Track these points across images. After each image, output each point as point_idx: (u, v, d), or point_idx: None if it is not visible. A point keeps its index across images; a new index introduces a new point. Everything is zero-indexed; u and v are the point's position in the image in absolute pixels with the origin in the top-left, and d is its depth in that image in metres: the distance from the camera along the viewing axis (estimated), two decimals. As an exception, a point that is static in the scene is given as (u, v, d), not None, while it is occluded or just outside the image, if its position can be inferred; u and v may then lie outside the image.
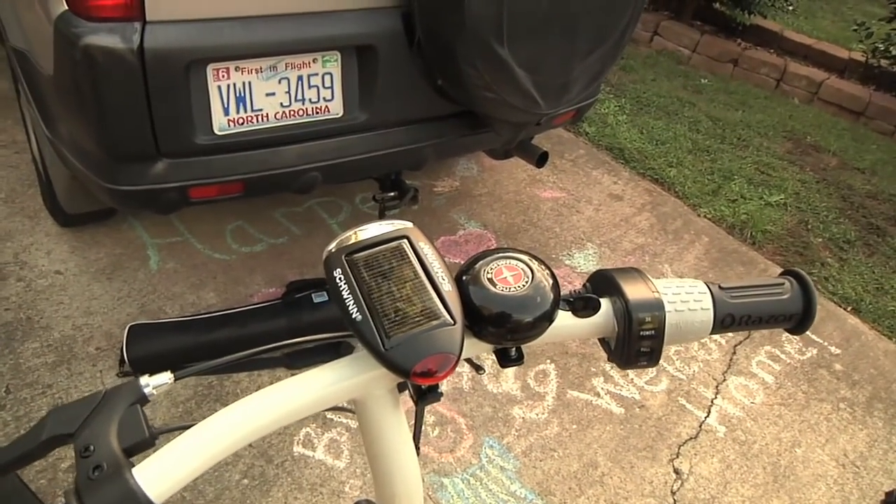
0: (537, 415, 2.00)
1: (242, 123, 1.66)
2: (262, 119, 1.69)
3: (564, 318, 0.55)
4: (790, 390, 2.23)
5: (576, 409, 2.03)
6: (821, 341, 2.47)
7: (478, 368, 0.64)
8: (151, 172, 1.61)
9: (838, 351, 2.43)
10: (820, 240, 3.09)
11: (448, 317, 0.47)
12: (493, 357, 0.56)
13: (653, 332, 0.54)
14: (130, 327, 0.58)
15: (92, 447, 0.42)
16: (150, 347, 0.58)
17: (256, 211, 2.61)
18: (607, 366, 2.19)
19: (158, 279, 2.23)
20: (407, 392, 0.55)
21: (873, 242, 3.11)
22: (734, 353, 2.34)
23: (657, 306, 0.55)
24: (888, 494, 1.88)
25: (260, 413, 0.46)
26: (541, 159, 2.29)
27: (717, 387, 2.19)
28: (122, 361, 0.58)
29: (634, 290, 0.56)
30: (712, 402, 2.14)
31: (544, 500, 1.77)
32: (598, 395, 2.09)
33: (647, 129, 3.74)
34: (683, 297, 0.57)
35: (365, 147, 1.85)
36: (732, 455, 1.98)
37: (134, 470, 0.41)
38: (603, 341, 0.59)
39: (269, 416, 0.46)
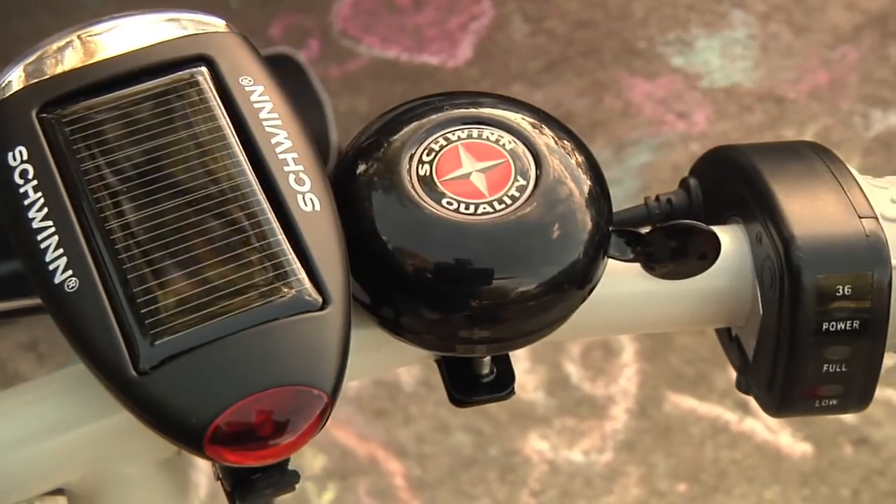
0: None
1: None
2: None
3: (619, 278, 0.22)
4: None
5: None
6: None
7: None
8: None
9: None
10: None
11: (305, 283, 0.19)
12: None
13: (857, 323, 0.21)
14: None
15: None
16: None
17: None
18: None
19: None
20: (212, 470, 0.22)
21: None
22: None
23: (871, 256, 0.21)
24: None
25: None
26: None
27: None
28: None
29: (809, 211, 0.22)
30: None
31: None
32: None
33: None
34: None
35: None
36: None
37: None
38: (725, 335, 0.26)
39: None
